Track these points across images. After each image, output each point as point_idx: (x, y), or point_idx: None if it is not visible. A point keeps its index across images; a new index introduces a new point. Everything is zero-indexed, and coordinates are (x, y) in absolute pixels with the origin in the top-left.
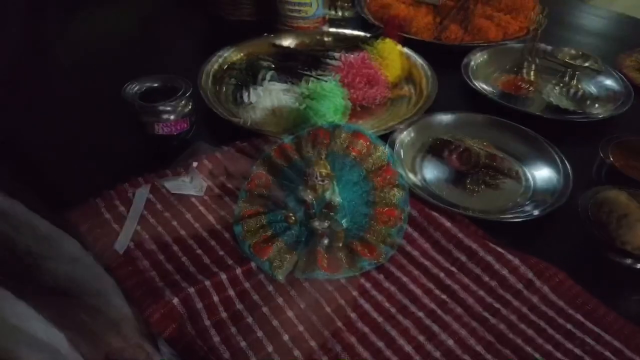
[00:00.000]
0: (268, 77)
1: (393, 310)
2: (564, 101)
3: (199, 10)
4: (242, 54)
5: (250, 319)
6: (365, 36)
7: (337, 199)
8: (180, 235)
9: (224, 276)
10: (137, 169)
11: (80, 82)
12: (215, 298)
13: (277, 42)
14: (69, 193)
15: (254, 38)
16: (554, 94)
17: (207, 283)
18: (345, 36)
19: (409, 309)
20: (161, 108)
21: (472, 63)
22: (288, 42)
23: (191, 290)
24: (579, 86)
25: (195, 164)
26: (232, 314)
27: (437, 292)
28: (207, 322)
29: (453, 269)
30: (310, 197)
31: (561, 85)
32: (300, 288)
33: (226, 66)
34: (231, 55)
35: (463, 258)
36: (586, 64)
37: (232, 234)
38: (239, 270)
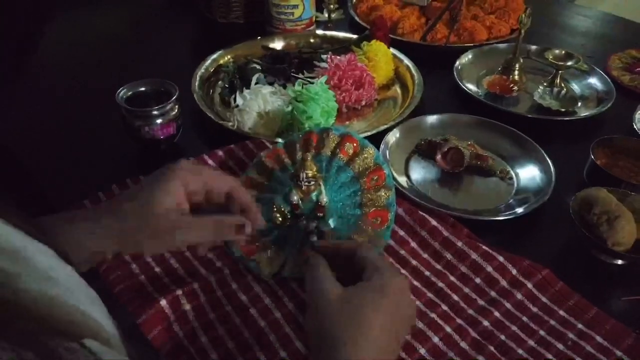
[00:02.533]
0: (254, 79)
1: None
2: (548, 100)
3: (190, 13)
4: (230, 57)
5: (238, 320)
6: (353, 38)
7: (325, 200)
8: None
9: (212, 278)
10: (125, 173)
11: (70, 85)
12: (203, 299)
13: (266, 44)
14: (57, 196)
15: (244, 40)
16: (539, 94)
17: (196, 285)
18: (333, 38)
19: None
20: (147, 112)
21: (459, 64)
22: (277, 44)
23: (179, 292)
24: (564, 85)
25: None
26: (220, 315)
27: (424, 290)
28: (196, 324)
29: (439, 267)
30: (296, 197)
31: (546, 84)
32: (287, 289)
33: (213, 69)
34: (220, 57)
35: (449, 256)
36: (570, 63)
37: None
38: (227, 271)
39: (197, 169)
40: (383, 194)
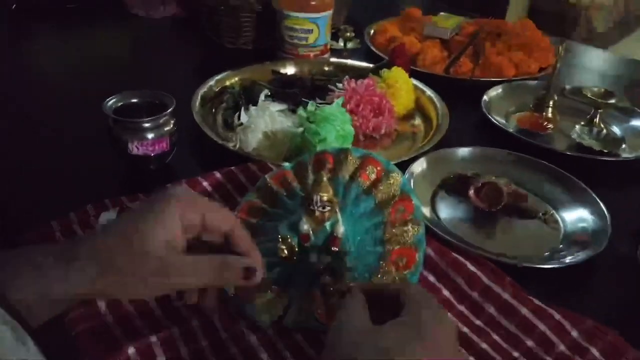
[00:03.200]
0: (263, 96)
1: None
2: (587, 140)
3: (196, 37)
4: (237, 79)
5: None
6: (370, 67)
7: (342, 230)
8: None
9: (196, 323)
10: (107, 194)
11: (64, 101)
12: (184, 350)
13: (277, 69)
14: (29, 215)
15: (253, 64)
16: (577, 133)
17: (175, 330)
18: (348, 66)
19: None
20: (137, 124)
21: (487, 98)
22: (288, 69)
23: (153, 338)
24: (603, 126)
25: None
26: None
27: (462, 350)
28: None
29: (479, 322)
30: (307, 226)
31: (583, 124)
32: (290, 341)
33: (219, 89)
34: (226, 79)
35: (491, 310)
36: (612, 101)
37: None
38: (216, 317)
39: (195, 200)
40: (410, 229)
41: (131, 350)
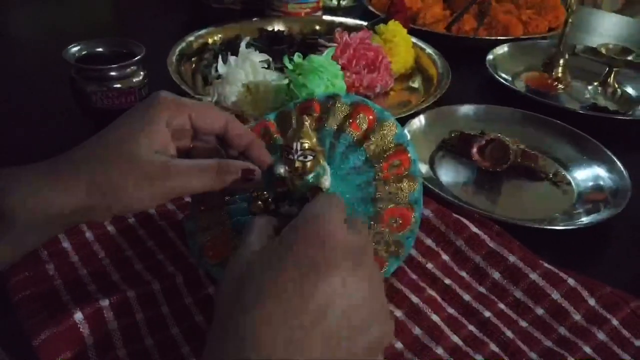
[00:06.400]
0: (244, 45)
1: (399, 345)
2: (602, 101)
3: None
4: (220, 36)
5: (186, 349)
6: (366, 24)
7: (327, 184)
8: (107, 230)
9: (157, 286)
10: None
11: (31, 58)
12: (140, 316)
13: (264, 27)
14: None
15: (238, 21)
16: (589, 92)
17: (131, 294)
18: (342, 25)
19: (422, 343)
20: (102, 72)
21: (493, 57)
22: (276, 27)
23: (105, 302)
24: (617, 86)
25: None
26: (162, 339)
27: (462, 320)
28: (123, 351)
29: (483, 289)
30: (283, 170)
31: (596, 84)
32: None
33: (200, 46)
34: (207, 35)
35: (496, 275)
36: (629, 58)
37: (179, 234)
38: (180, 279)
39: (180, 101)
40: (406, 186)
41: (78, 316)
